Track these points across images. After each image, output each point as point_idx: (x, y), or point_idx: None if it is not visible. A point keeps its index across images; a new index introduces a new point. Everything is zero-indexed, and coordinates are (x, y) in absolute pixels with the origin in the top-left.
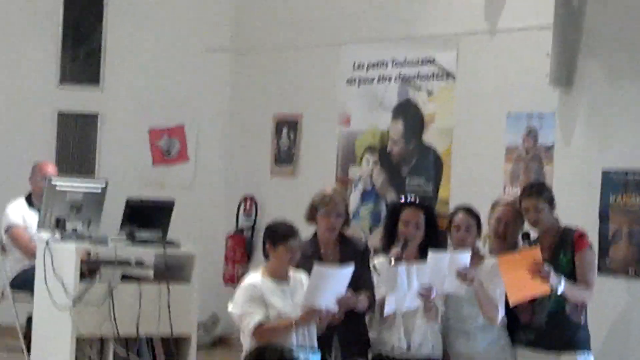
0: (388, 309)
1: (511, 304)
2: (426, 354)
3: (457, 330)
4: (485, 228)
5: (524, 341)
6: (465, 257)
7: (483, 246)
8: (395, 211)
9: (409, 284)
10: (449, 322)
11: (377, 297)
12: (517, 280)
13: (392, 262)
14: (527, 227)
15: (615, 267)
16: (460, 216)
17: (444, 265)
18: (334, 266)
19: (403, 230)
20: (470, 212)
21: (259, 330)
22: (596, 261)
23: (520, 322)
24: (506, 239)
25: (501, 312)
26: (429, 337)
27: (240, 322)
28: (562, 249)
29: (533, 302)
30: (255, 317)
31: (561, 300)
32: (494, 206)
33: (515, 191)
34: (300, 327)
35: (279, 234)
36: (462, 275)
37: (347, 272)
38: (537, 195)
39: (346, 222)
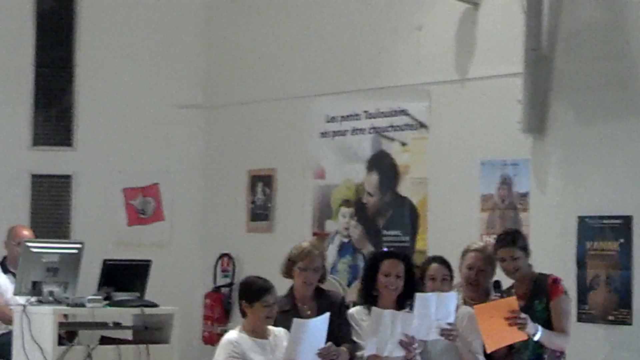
0: (367, 352)
1: (488, 350)
2: None
3: None
4: (456, 277)
5: None
6: (452, 298)
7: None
8: (374, 262)
9: (392, 330)
10: None
11: (357, 343)
12: (494, 328)
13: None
14: (497, 274)
15: (595, 314)
16: (435, 267)
17: (431, 307)
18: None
19: (384, 281)
20: (444, 262)
21: None
22: (571, 307)
23: None
24: (479, 286)
25: None
26: None
27: None
28: (537, 296)
29: (512, 351)
30: None
31: (540, 348)
32: (464, 254)
33: (490, 240)
34: None
35: (253, 291)
36: (447, 333)
37: (324, 320)
38: (512, 244)
39: (323, 276)
